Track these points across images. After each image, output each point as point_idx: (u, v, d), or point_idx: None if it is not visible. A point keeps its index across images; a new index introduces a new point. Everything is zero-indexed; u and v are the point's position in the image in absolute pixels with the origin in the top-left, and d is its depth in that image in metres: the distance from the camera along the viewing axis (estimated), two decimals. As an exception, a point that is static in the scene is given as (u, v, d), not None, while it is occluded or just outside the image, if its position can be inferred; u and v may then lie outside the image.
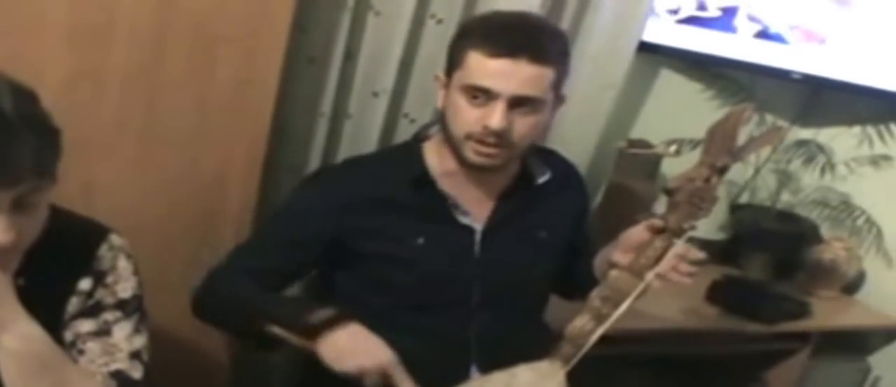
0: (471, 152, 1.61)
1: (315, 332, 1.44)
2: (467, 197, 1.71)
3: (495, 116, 1.55)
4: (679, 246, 1.54)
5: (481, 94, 1.56)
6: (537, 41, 1.57)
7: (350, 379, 1.44)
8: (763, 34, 2.59)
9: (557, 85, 1.62)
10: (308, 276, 1.85)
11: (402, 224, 1.67)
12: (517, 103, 1.56)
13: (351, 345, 1.44)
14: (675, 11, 2.59)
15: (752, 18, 2.58)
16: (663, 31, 2.58)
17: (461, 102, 1.59)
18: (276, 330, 1.46)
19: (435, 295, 1.70)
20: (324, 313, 1.46)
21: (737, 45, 2.60)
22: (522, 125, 1.59)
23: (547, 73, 1.57)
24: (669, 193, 1.54)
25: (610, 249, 1.69)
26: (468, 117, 1.59)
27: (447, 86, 1.64)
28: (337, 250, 1.68)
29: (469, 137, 1.59)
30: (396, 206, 1.67)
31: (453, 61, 1.62)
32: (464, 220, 1.71)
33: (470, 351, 1.70)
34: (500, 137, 1.58)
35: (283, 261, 1.67)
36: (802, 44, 2.58)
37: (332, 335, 1.43)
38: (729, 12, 2.60)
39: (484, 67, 1.55)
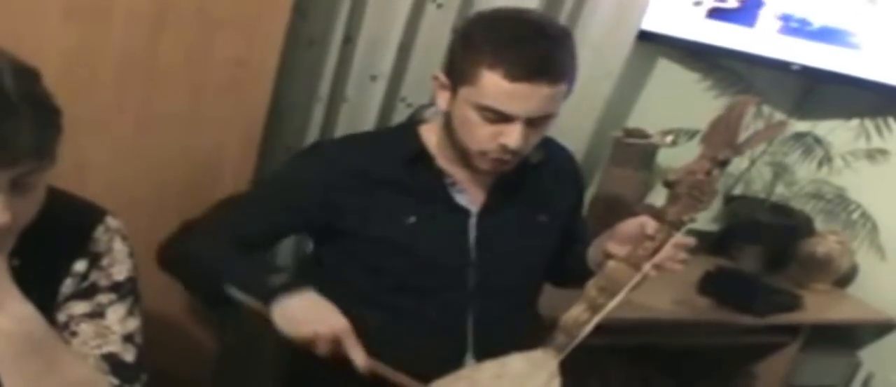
0: (482, 163, 1.61)
1: (271, 295, 1.44)
2: (462, 179, 1.70)
3: (513, 136, 1.55)
4: (676, 237, 1.54)
5: (497, 114, 1.54)
6: (554, 61, 1.54)
7: (337, 366, 1.44)
8: (765, 27, 2.59)
9: (569, 89, 1.61)
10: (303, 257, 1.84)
11: (393, 202, 1.66)
12: (534, 121, 1.56)
13: (305, 311, 1.43)
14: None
15: (755, 11, 2.58)
16: (662, 20, 2.57)
17: (473, 118, 1.56)
18: (234, 291, 1.46)
19: (429, 279, 1.69)
20: (281, 278, 1.47)
21: (736, 37, 2.60)
22: (537, 135, 1.60)
23: (563, 89, 1.57)
24: (670, 185, 1.53)
25: (604, 240, 1.69)
26: (482, 134, 1.57)
27: (451, 92, 1.60)
28: (324, 226, 1.68)
29: (483, 153, 1.59)
30: (389, 184, 1.65)
31: (462, 74, 1.56)
32: (460, 198, 1.70)
33: (466, 339, 1.69)
34: (517, 153, 1.58)
35: (264, 224, 1.68)
36: (804, 37, 2.57)
37: (288, 300, 1.43)
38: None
39: (501, 91, 1.52)
